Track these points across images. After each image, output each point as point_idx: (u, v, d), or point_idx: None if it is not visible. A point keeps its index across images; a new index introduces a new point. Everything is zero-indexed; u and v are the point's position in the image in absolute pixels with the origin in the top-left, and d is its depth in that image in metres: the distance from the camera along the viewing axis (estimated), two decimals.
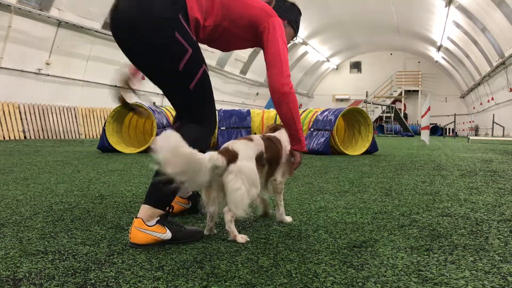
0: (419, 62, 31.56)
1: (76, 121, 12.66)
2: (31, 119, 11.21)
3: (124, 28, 1.65)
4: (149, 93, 15.92)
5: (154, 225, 1.53)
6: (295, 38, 2.24)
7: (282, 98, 1.82)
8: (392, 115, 25.74)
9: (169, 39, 1.61)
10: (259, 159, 1.71)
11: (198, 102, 1.71)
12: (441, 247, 1.52)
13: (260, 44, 1.89)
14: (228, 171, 1.56)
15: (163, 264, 1.30)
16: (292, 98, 1.84)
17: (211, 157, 1.52)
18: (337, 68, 33.83)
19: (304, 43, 24.70)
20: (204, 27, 1.73)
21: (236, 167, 1.57)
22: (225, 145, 1.68)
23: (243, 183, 1.56)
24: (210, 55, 18.81)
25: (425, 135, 12.50)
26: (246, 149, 1.66)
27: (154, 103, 15.61)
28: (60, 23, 11.61)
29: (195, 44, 1.68)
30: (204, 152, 1.54)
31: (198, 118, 1.72)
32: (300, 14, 2.16)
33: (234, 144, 1.66)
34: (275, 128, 2.07)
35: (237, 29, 1.80)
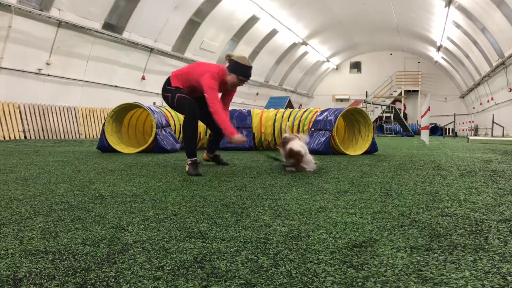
0: (419, 62, 31.57)
1: (76, 121, 12.67)
2: (31, 119, 11.21)
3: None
4: (149, 93, 15.93)
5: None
6: (244, 79, 3.78)
7: (211, 110, 3.68)
8: (392, 115, 25.74)
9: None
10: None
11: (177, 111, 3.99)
12: (440, 247, 1.52)
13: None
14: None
15: (163, 264, 1.31)
16: (214, 110, 3.63)
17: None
18: (337, 68, 33.83)
19: (304, 43, 24.68)
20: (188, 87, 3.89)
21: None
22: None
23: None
24: (211, 55, 18.81)
25: (424, 135, 12.51)
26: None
27: (154, 103, 15.61)
28: (60, 23, 11.62)
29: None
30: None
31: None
32: (243, 65, 3.73)
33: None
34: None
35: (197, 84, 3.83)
